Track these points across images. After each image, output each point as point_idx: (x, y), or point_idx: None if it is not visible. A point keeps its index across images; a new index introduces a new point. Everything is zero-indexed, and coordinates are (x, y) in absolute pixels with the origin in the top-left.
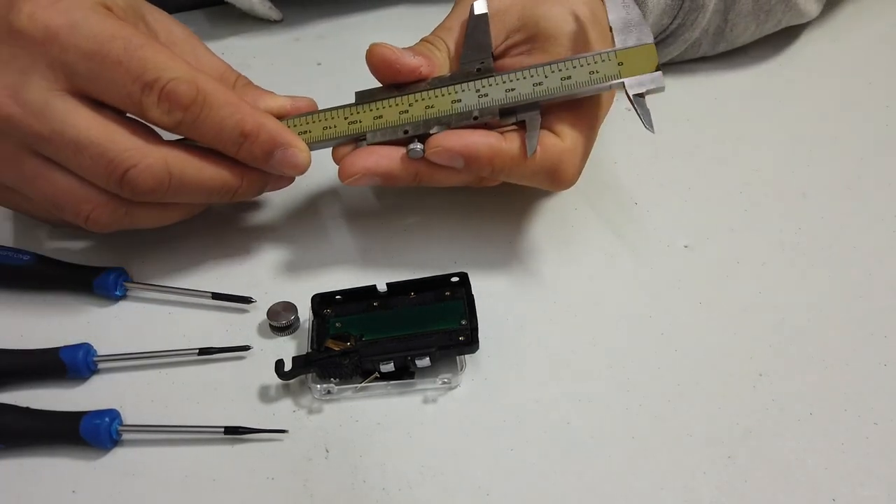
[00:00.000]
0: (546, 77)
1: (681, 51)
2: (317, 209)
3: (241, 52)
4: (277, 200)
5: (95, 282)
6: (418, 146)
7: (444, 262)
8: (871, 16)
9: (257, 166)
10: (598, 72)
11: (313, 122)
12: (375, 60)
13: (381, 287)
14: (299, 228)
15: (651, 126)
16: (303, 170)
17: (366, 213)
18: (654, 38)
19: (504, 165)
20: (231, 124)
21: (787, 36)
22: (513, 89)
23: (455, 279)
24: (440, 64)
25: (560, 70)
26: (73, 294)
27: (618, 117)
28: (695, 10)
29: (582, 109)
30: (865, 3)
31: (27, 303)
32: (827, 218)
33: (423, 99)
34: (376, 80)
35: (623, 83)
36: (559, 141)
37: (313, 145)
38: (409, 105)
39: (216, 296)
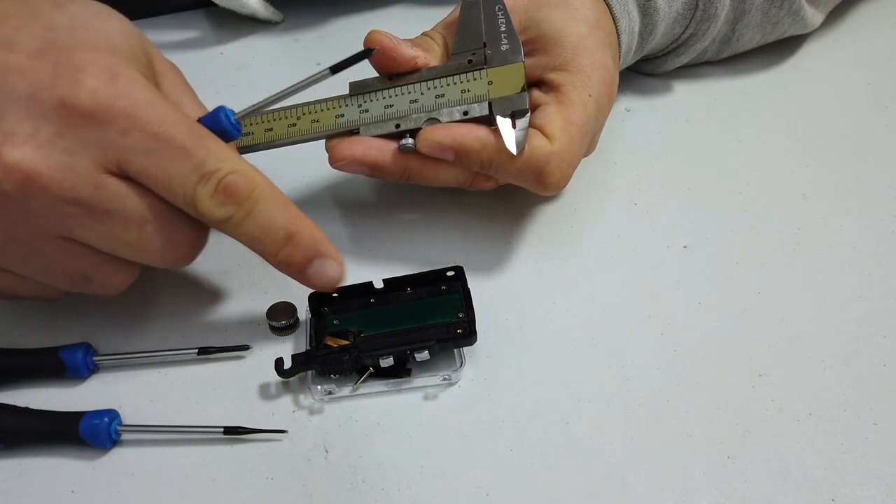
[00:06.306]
0: (422, 94)
1: (690, 59)
2: (316, 208)
3: (241, 52)
4: None
5: None
6: (409, 141)
7: (443, 262)
8: (871, 16)
9: (290, 274)
10: (469, 90)
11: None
12: (372, 47)
13: (378, 283)
14: None
15: (514, 147)
16: (333, 286)
17: (364, 212)
18: (666, 48)
19: (491, 159)
20: (280, 224)
21: (787, 37)
22: (391, 105)
23: (450, 273)
24: (438, 57)
25: (435, 88)
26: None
27: (618, 117)
28: (707, 19)
29: (573, 115)
30: (866, 5)
31: (27, 302)
32: (827, 218)
33: (336, 106)
34: (374, 73)
35: (489, 103)
36: (547, 143)
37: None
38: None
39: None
